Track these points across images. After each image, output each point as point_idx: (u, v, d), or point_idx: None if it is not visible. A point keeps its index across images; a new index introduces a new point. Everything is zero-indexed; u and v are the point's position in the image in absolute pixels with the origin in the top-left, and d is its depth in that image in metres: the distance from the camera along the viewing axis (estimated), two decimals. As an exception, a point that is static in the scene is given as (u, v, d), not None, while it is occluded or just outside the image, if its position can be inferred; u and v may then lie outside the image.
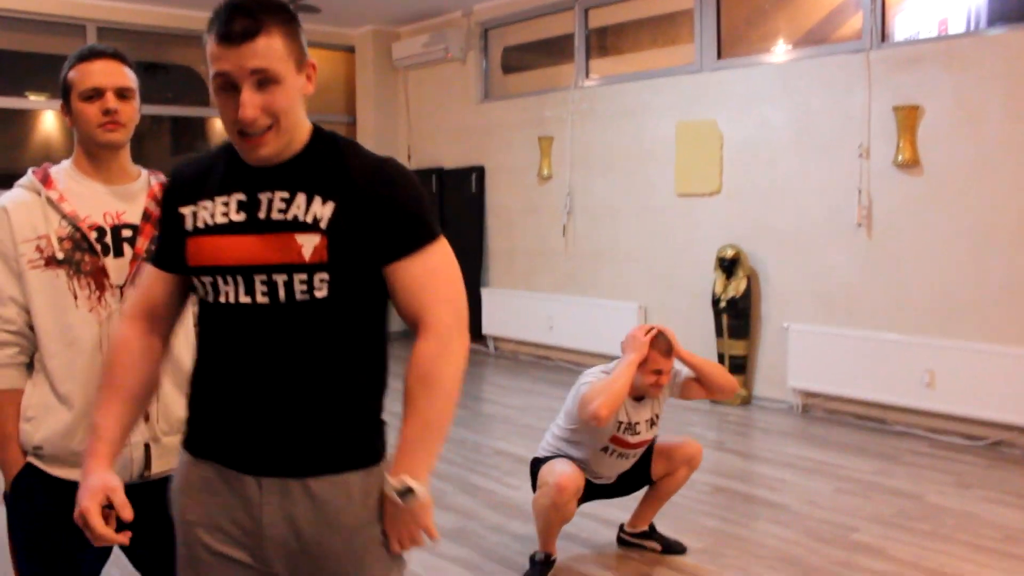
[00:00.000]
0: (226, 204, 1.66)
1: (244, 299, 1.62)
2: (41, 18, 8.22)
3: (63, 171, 2.16)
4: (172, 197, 1.73)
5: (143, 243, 2.13)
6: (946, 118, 5.50)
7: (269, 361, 1.63)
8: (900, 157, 5.65)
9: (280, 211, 1.62)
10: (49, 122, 8.84)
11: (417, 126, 9.74)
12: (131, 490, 2.06)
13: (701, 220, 6.87)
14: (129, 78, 2.14)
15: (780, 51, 6.59)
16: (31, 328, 2.07)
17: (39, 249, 2.05)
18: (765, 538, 4.00)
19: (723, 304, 6.48)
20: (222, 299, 1.64)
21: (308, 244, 1.60)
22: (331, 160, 1.66)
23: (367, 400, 1.70)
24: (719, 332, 6.55)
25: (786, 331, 6.26)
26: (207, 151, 1.78)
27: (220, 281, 1.63)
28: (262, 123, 1.56)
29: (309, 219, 1.61)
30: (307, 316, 1.62)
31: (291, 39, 1.59)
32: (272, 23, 1.55)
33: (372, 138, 9.73)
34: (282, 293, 1.61)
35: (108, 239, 2.11)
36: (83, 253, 2.08)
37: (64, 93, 2.13)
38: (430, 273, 1.66)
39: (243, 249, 1.62)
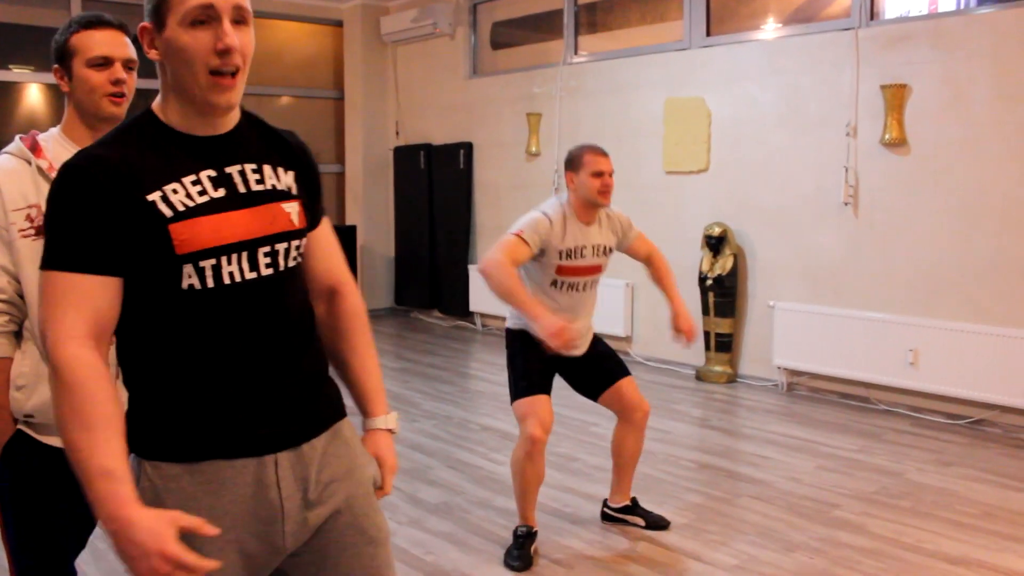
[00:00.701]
0: (197, 183, 1.55)
1: (250, 275, 1.58)
2: (25, -11, 8.13)
3: (52, 139, 2.15)
4: (116, 187, 1.49)
5: None
6: (934, 97, 5.50)
7: (274, 332, 1.63)
8: (887, 136, 5.66)
9: (257, 182, 1.62)
10: (34, 95, 8.76)
11: (406, 102, 9.70)
12: None
13: (688, 198, 6.88)
14: (132, 50, 2.15)
15: (769, 29, 6.57)
16: (21, 297, 2.08)
17: (29, 218, 2.05)
18: (748, 514, 4.03)
19: (709, 282, 6.50)
20: (225, 280, 1.55)
21: (293, 211, 1.66)
22: (264, 131, 1.71)
23: (323, 353, 1.80)
24: (705, 310, 6.58)
25: (772, 309, 6.28)
26: (115, 136, 1.58)
27: (224, 261, 1.55)
28: (237, 60, 1.52)
29: (284, 187, 1.66)
30: (295, 281, 1.70)
31: None
32: None
33: (360, 113, 9.68)
34: (282, 261, 1.64)
35: None
36: None
37: (62, 58, 2.11)
38: (333, 239, 1.84)
39: (242, 224, 1.57)
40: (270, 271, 1.61)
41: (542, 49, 8.53)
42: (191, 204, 1.53)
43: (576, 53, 7.90)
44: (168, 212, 1.51)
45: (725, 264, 6.43)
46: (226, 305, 1.57)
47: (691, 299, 6.75)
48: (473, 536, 3.85)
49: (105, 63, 2.10)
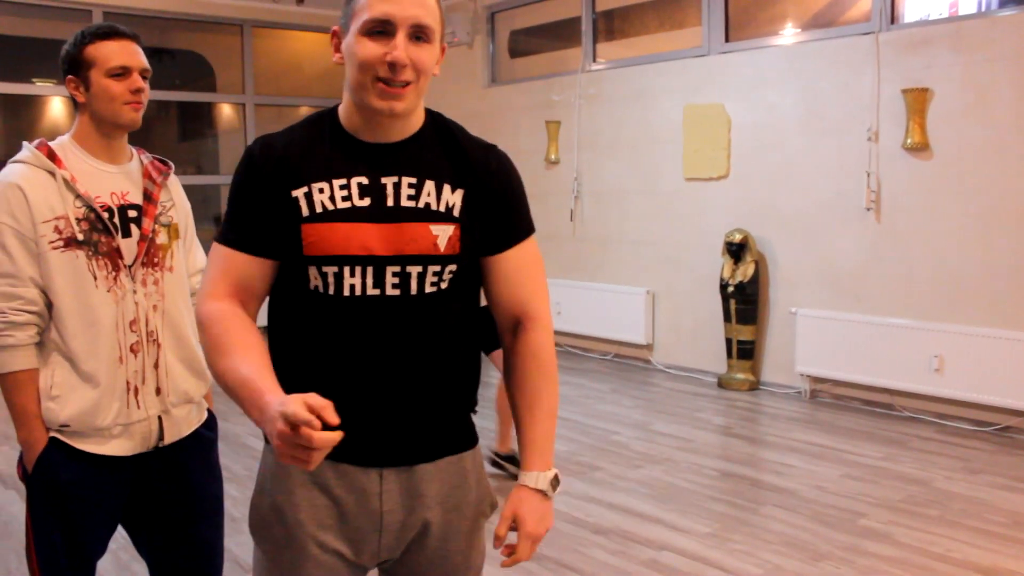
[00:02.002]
0: (345, 187, 1.53)
1: (372, 291, 1.53)
2: (47, 3, 8.22)
3: (65, 148, 2.15)
4: (274, 177, 1.54)
5: (148, 223, 2.17)
6: (956, 101, 5.45)
7: (393, 353, 1.56)
8: (909, 140, 5.61)
9: (410, 198, 1.56)
10: (56, 108, 8.85)
11: (424, 111, 9.70)
12: (145, 459, 2.19)
13: (709, 204, 6.84)
14: (146, 60, 2.18)
15: (788, 34, 6.54)
16: (48, 308, 2.09)
17: (58, 230, 2.06)
18: (772, 523, 3.99)
19: (731, 289, 6.46)
20: (345, 292, 1.53)
21: (443, 235, 1.56)
22: (449, 144, 1.63)
23: (470, 386, 1.70)
24: (727, 317, 6.54)
25: (794, 316, 6.24)
26: (299, 125, 1.61)
27: (347, 272, 1.52)
28: (408, 75, 1.50)
29: (442, 208, 1.57)
30: (432, 307, 1.58)
31: (441, 11, 1.57)
32: None
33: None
34: (414, 285, 1.55)
35: (117, 219, 2.13)
36: (99, 234, 2.10)
37: (76, 68, 2.11)
38: (531, 264, 1.68)
39: (374, 238, 1.52)
40: (396, 292, 1.54)
41: (560, 57, 8.53)
42: (330, 208, 1.53)
43: (595, 60, 7.89)
44: (305, 211, 1.52)
45: (746, 271, 6.40)
46: (346, 315, 1.54)
47: (712, 306, 6.72)
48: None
49: (124, 73, 2.11)
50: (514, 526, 1.63)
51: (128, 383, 2.14)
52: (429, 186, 1.57)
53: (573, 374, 7.17)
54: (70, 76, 2.13)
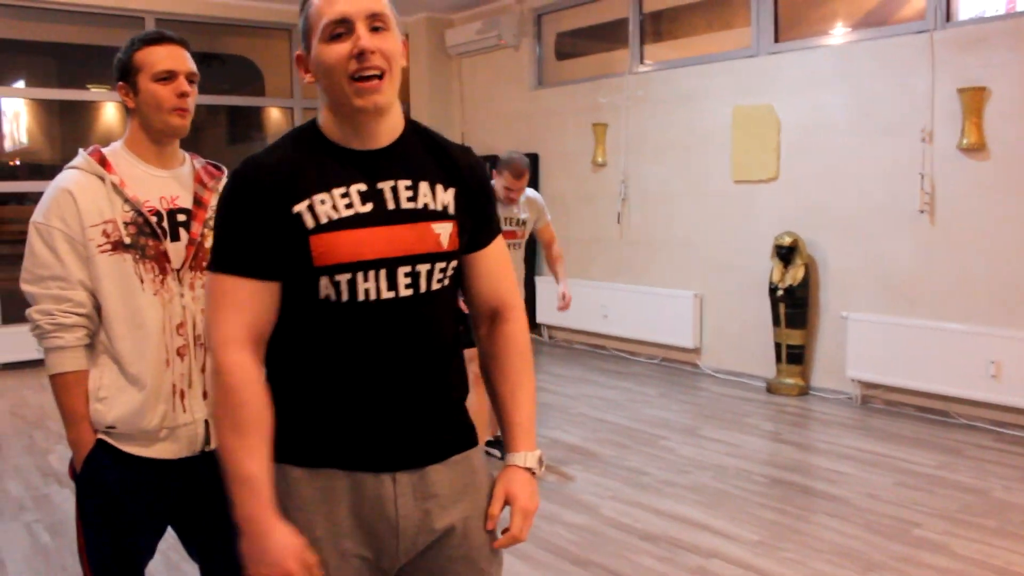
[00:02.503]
0: (346, 195, 1.56)
1: (387, 294, 1.57)
2: (101, 11, 8.36)
3: (117, 154, 2.18)
4: (271, 195, 1.53)
5: (197, 227, 2.18)
6: (1014, 100, 5.32)
7: (405, 354, 1.60)
8: (965, 141, 5.48)
9: (409, 199, 1.60)
10: (110, 113, 9.00)
11: (471, 113, 9.72)
12: (192, 463, 2.19)
13: (758, 207, 6.76)
14: (194, 64, 2.19)
15: (839, 33, 6.44)
16: (96, 310, 2.11)
17: (105, 234, 2.08)
18: (824, 532, 3.92)
19: (780, 292, 6.37)
20: (360, 297, 1.55)
21: (444, 232, 1.62)
22: (432, 146, 1.67)
23: (465, 379, 1.75)
24: (776, 321, 6.45)
25: (845, 320, 6.13)
26: (281, 144, 1.63)
27: (360, 277, 1.55)
28: (378, 61, 1.52)
29: (439, 207, 1.62)
30: (437, 304, 1.64)
31: (391, 3, 1.59)
32: None
33: (426, 125, 9.73)
34: (423, 283, 1.60)
35: (165, 223, 2.15)
36: (147, 238, 2.12)
37: (126, 74, 2.14)
38: (503, 260, 1.76)
39: (384, 241, 1.56)
40: (409, 292, 1.59)
41: (607, 59, 8.48)
42: (335, 217, 1.54)
43: (642, 62, 7.83)
44: (311, 223, 1.53)
45: (796, 274, 6.30)
46: (361, 321, 1.57)
47: (761, 309, 6.64)
48: (541, 551, 3.80)
49: (170, 77, 2.12)
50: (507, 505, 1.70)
51: (174, 386, 2.15)
52: (424, 187, 1.62)
53: (620, 378, 7.12)
54: (121, 82, 2.16)
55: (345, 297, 1.55)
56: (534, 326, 8.89)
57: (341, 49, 1.52)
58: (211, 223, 2.21)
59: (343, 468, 1.59)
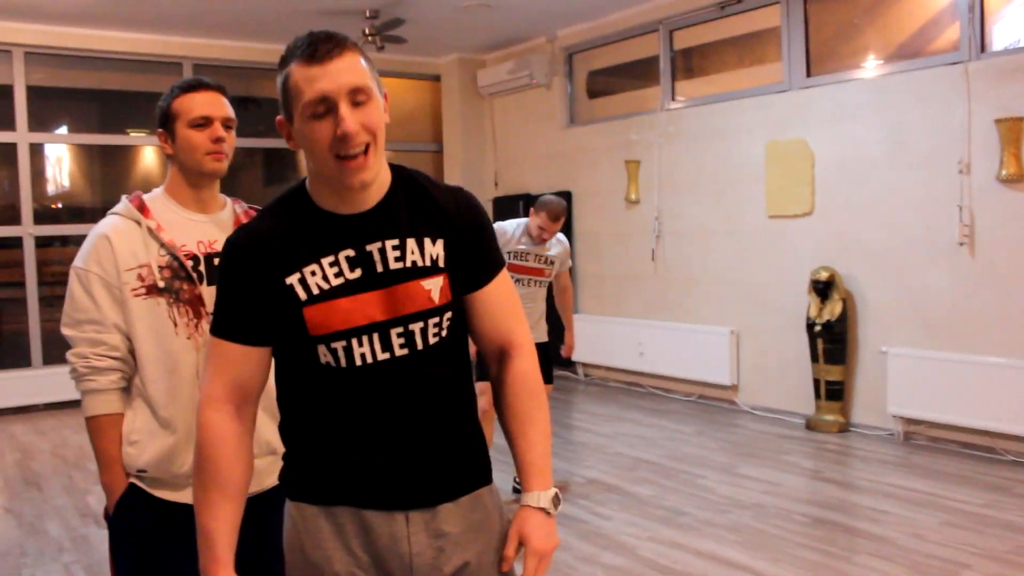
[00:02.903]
0: (335, 264, 1.59)
1: (383, 356, 1.60)
2: (140, 57, 8.53)
3: (157, 199, 2.21)
4: (263, 266, 1.58)
5: None
6: (1053, 131, 5.25)
7: (409, 407, 1.63)
8: (1004, 172, 5.41)
9: (397, 259, 1.61)
10: (149, 157, 9.13)
11: (503, 152, 9.77)
12: None
13: (794, 242, 6.70)
14: (231, 110, 2.21)
15: (872, 66, 6.40)
16: (131, 354, 2.12)
17: (140, 278, 2.10)
18: (868, 573, 3.83)
19: (818, 328, 6.29)
20: (357, 362, 1.59)
21: (435, 287, 1.63)
22: (419, 197, 1.66)
23: (477, 421, 1.76)
24: (814, 357, 6.36)
25: (885, 355, 6.03)
26: (271, 211, 1.66)
27: (355, 343, 1.59)
28: (362, 139, 1.52)
29: (427, 262, 1.63)
30: (439, 356, 1.66)
31: (367, 61, 1.58)
32: (349, 44, 1.55)
33: (459, 165, 9.80)
34: (419, 340, 1.62)
35: (202, 267, 2.16)
36: (182, 282, 2.13)
37: (165, 121, 2.17)
38: (508, 295, 1.75)
39: (374, 306, 1.59)
40: (405, 351, 1.62)
41: (639, 96, 8.51)
42: (325, 287, 1.58)
43: (673, 99, 7.84)
44: (303, 295, 1.58)
45: (834, 309, 6.23)
46: (361, 383, 1.61)
47: (798, 345, 6.56)
48: (579, 594, 3.74)
49: (205, 123, 2.15)
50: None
51: None
52: (411, 244, 1.62)
53: (656, 415, 7.05)
54: (160, 129, 2.19)
55: (344, 363, 1.60)
56: (569, 364, 8.85)
57: (324, 129, 1.51)
58: None
59: (357, 506, 1.63)
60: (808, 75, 6.68)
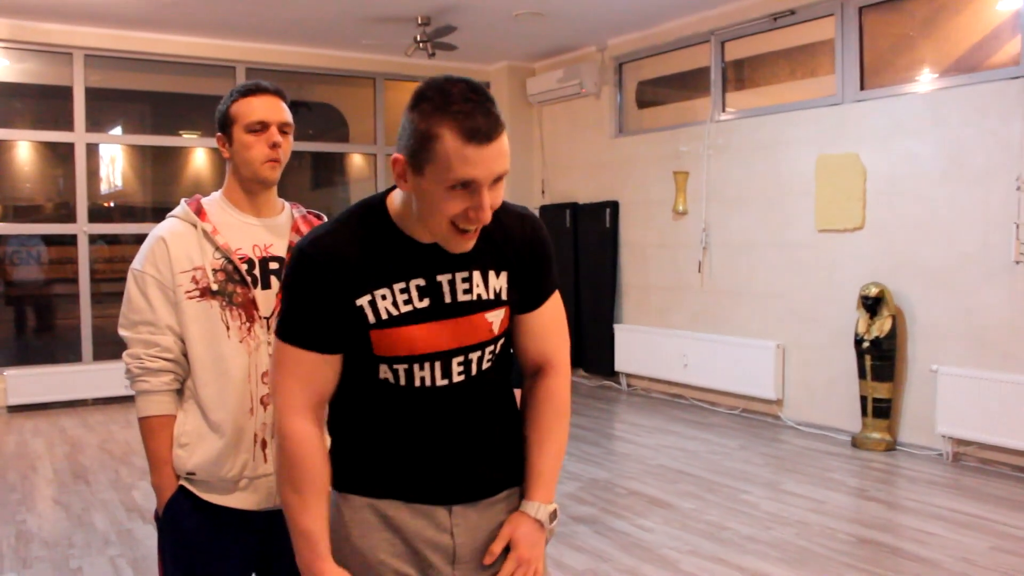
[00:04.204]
0: (405, 291, 1.63)
1: (441, 382, 1.67)
2: (195, 61, 8.67)
3: (214, 203, 2.22)
4: (335, 284, 1.60)
5: None
6: (1115, 149, 5.13)
7: (459, 418, 1.71)
8: (1062, 191, 5.30)
9: (465, 292, 1.66)
10: (200, 158, 9.26)
11: (551, 161, 9.77)
12: (274, 516, 2.15)
13: (843, 256, 6.62)
14: (288, 114, 2.21)
15: (927, 80, 6.31)
16: (184, 356, 2.13)
17: (195, 280, 2.11)
18: (914, 595, 3.76)
19: (866, 344, 6.20)
20: (416, 383, 1.66)
21: (496, 320, 1.70)
22: (492, 226, 1.66)
23: (516, 420, 1.83)
24: (862, 374, 6.27)
25: (935, 374, 5.93)
26: (346, 225, 1.64)
27: (416, 368, 1.65)
28: (486, 219, 1.54)
29: (491, 295, 1.69)
30: (491, 379, 1.74)
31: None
32: (501, 122, 1.51)
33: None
34: (475, 368, 1.70)
35: (257, 271, 2.16)
36: (235, 285, 2.13)
37: (224, 125, 2.18)
38: (556, 318, 1.82)
39: (438, 336, 1.64)
40: (462, 378, 1.69)
41: (688, 107, 8.46)
42: (395, 313, 1.62)
43: (723, 110, 7.78)
44: (372, 319, 1.62)
45: (883, 326, 6.13)
46: (416, 401, 1.67)
47: (846, 361, 6.47)
48: (619, 606, 3.72)
49: (262, 127, 2.15)
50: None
51: (256, 436, 2.13)
52: (477, 277, 1.67)
53: (699, 428, 6.99)
54: (219, 133, 2.20)
55: (403, 382, 1.66)
56: (612, 374, 8.82)
57: (460, 204, 1.51)
58: None
59: (403, 500, 1.70)
60: (862, 88, 6.60)
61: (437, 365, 1.65)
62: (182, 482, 2.14)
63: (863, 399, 6.29)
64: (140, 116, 9.50)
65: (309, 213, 2.33)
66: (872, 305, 6.16)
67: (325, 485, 1.68)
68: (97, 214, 8.57)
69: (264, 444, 2.14)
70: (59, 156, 8.49)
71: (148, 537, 4.55)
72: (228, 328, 2.12)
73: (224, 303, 2.12)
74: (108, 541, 4.56)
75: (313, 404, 1.66)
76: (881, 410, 6.20)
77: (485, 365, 1.71)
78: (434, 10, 7.59)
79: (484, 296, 1.68)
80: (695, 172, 7.88)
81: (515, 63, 9.76)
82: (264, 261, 2.18)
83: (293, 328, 1.64)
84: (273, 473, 2.14)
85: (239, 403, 2.11)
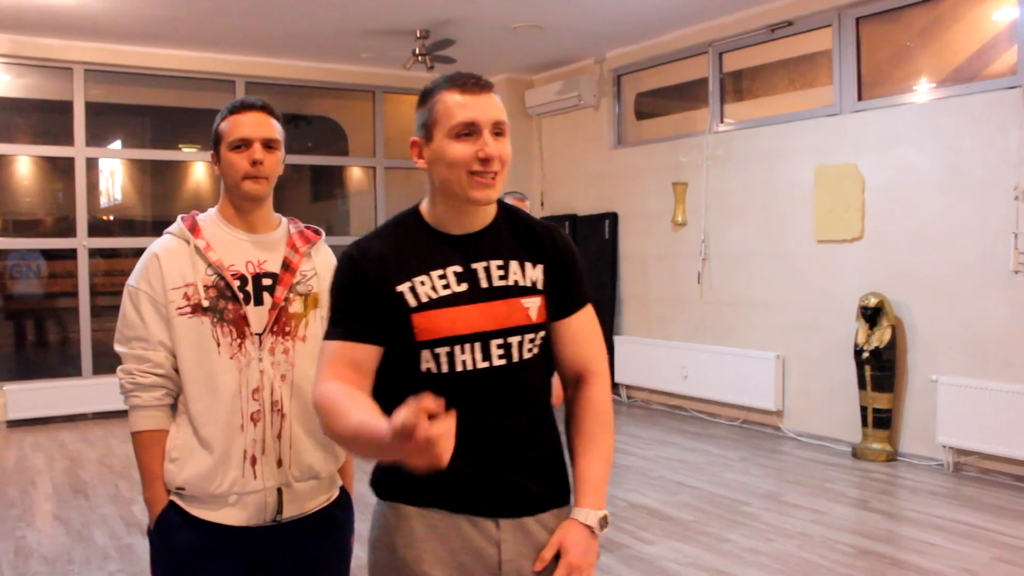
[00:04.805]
0: (443, 277, 1.75)
1: (482, 364, 1.74)
2: (194, 75, 8.69)
3: (209, 219, 2.22)
4: (376, 276, 1.74)
5: (282, 292, 2.17)
6: (1112, 158, 5.14)
7: (502, 417, 1.76)
8: (1061, 200, 5.31)
9: (500, 278, 1.78)
10: (199, 172, 9.28)
11: (550, 172, 9.78)
12: (265, 533, 2.14)
13: (842, 267, 6.62)
14: (275, 129, 2.19)
15: (925, 90, 6.33)
16: (176, 371, 2.13)
17: (186, 296, 2.11)
18: (916, 607, 3.75)
19: (866, 355, 6.20)
20: (458, 368, 1.73)
21: (533, 306, 1.80)
22: (520, 227, 1.85)
23: (560, 442, 1.90)
24: (862, 384, 6.26)
25: (935, 384, 5.92)
26: (384, 229, 1.82)
27: (458, 350, 1.73)
28: (496, 165, 1.72)
29: (528, 283, 1.81)
30: (530, 371, 1.81)
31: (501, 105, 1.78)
32: (492, 86, 1.78)
33: (506, 184, 9.76)
34: (515, 354, 1.78)
35: (249, 287, 2.16)
36: (227, 301, 2.13)
37: (215, 143, 2.19)
38: (590, 326, 1.90)
39: (476, 317, 1.74)
40: (503, 362, 1.76)
41: (687, 118, 8.48)
42: (434, 296, 1.74)
43: (722, 121, 7.80)
44: (413, 302, 1.73)
45: (883, 336, 6.13)
46: (460, 389, 1.72)
47: (846, 372, 6.47)
48: (619, 619, 3.71)
49: (243, 144, 2.15)
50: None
51: (246, 452, 2.12)
52: (514, 266, 1.80)
53: (699, 440, 6.98)
54: (212, 152, 2.21)
55: (445, 368, 1.73)
56: (613, 386, 8.80)
57: (467, 148, 1.71)
58: (298, 288, 2.21)
59: (449, 510, 1.75)
60: (859, 99, 6.62)
61: (477, 347, 1.73)
62: (172, 497, 2.14)
63: (863, 409, 6.28)
64: (140, 130, 9.52)
65: (307, 228, 2.32)
66: (871, 315, 6.16)
67: (366, 401, 1.63)
68: (97, 228, 8.58)
69: (254, 460, 2.13)
70: (59, 170, 8.50)
71: (148, 552, 4.53)
72: (219, 344, 2.11)
73: (215, 320, 2.11)
74: (108, 556, 4.55)
75: (348, 375, 1.70)
76: (881, 420, 6.19)
77: (526, 354, 1.78)
78: (433, 23, 7.61)
79: (521, 282, 1.79)
80: (694, 183, 7.89)
81: (514, 75, 9.78)
82: (257, 277, 2.17)
83: (337, 327, 1.74)
84: (264, 490, 2.14)
85: (229, 419, 2.11)
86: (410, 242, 1.78)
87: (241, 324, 2.13)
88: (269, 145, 2.17)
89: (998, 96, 5.69)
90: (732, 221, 7.54)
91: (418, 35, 7.82)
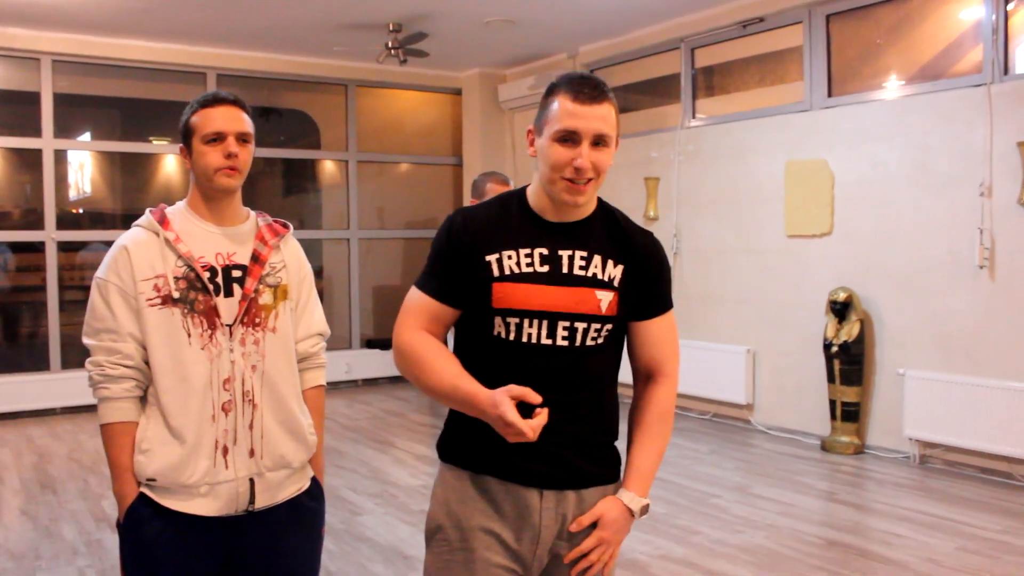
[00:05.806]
0: (529, 256, 1.89)
1: (546, 341, 1.88)
2: (165, 67, 8.62)
3: (178, 212, 2.22)
4: (471, 244, 1.90)
5: (252, 283, 2.18)
6: (1075, 155, 5.22)
7: (557, 393, 1.86)
8: (1025, 196, 5.39)
9: (581, 268, 1.91)
10: (170, 165, 9.20)
11: (523, 167, 9.79)
12: (237, 523, 2.15)
13: (812, 262, 6.69)
14: (248, 124, 2.21)
15: (894, 87, 6.40)
16: (147, 363, 2.13)
17: (156, 288, 2.11)
18: (882, 597, 3.80)
19: (835, 349, 6.27)
20: (524, 339, 1.88)
21: (604, 299, 1.91)
22: (614, 227, 1.97)
23: (616, 427, 2.03)
24: (831, 378, 6.33)
25: (902, 377, 6.00)
26: (490, 202, 1.98)
27: (526, 323, 1.87)
28: (589, 174, 1.83)
29: (606, 278, 1.92)
30: (591, 358, 1.92)
31: (617, 116, 1.86)
32: (609, 97, 1.85)
33: (486, 168, 9.81)
34: (579, 338, 1.89)
35: (219, 279, 2.16)
36: (197, 293, 2.13)
37: (185, 136, 2.19)
38: (669, 332, 2.03)
39: (550, 297, 1.87)
40: (565, 343, 1.88)
41: (659, 113, 8.51)
42: (516, 271, 1.89)
43: (694, 117, 7.84)
44: (496, 272, 1.89)
45: (851, 330, 6.20)
46: (523, 359, 1.87)
47: (815, 366, 6.53)
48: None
49: (218, 138, 2.16)
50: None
51: (217, 442, 2.13)
52: (597, 260, 1.92)
53: (676, 435, 6.99)
54: (181, 144, 2.22)
55: (512, 337, 1.88)
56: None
57: (565, 154, 1.82)
58: (268, 280, 2.22)
59: (500, 477, 1.90)
60: (829, 95, 6.68)
61: (544, 324, 1.86)
62: (142, 488, 2.13)
63: (832, 403, 6.35)
64: (109, 122, 9.42)
65: (275, 221, 2.33)
66: (840, 310, 6.23)
67: (451, 356, 1.89)
68: (66, 221, 8.49)
69: (226, 451, 2.13)
70: (26, 162, 8.40)
71: (117, 547, 4.51)
72: (189, 335, 2.12)
73: (185, 311, 2.12)
74: (76, 552, 4.52)
75: (427, 325, 1.92)
76: (850, 414, 6.27)
77: (588, 341, 1.89)
78: (406, 17, 7.59)
79: (599, 276, 1.91)
80: (665, 178, 7.93)
81: (487, 70, 9.78)
82: (227, 269, 2.18)
83: (428, 281, 1.94)
84: (235, 480, 2.15)
85: (200, 410, 2.11)
86: (508, 219, 1.93)
87: (212, 315, 2.13)
88: (243, 139, 2.19)
89: (965, 94, 5.76)
90: (703, 216, 7.59)
91: (391, 28, 7.80)
